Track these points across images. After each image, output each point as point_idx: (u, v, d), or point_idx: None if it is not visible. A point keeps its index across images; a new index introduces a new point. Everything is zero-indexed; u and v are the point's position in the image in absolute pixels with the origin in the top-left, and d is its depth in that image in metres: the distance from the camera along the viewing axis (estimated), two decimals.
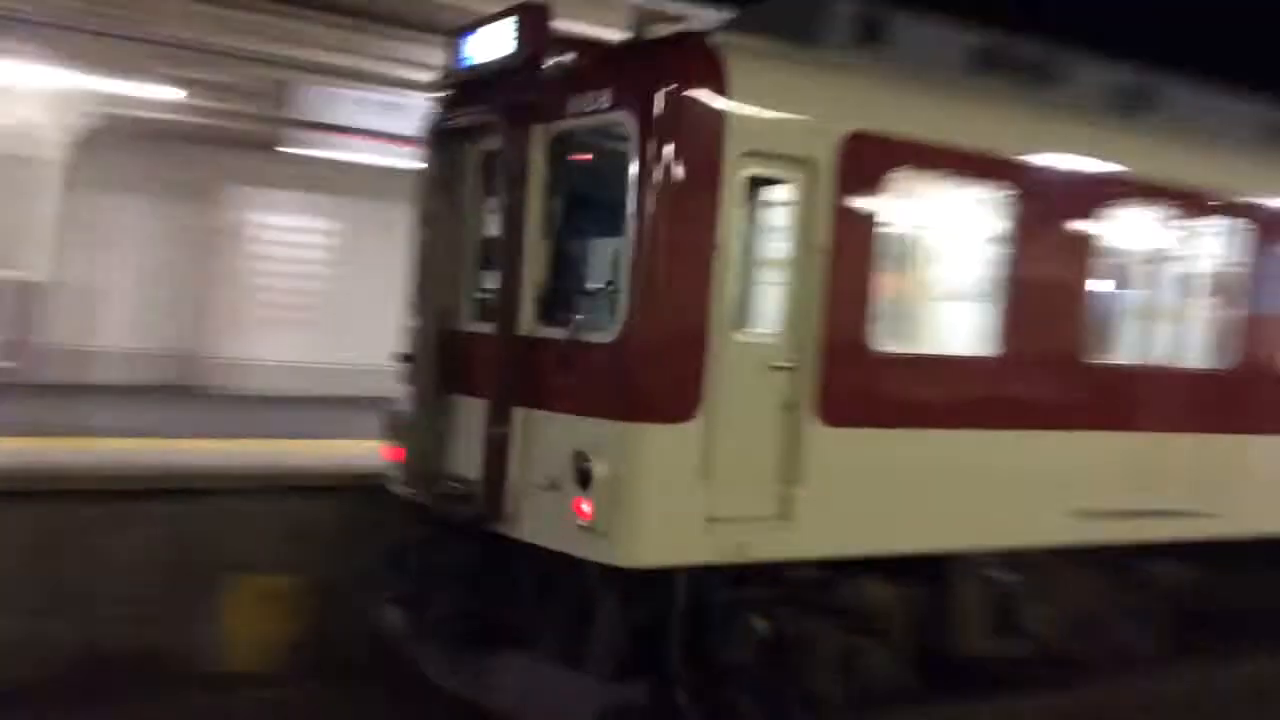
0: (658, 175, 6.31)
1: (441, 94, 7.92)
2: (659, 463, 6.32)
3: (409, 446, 7.63)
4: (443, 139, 7.76)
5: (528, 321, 6.98)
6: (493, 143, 7.51)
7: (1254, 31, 25.41)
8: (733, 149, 6.48)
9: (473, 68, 7.48)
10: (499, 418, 6.88)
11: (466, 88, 7.71)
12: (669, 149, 6.29)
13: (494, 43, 7.25)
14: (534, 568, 7.00)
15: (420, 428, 7.62)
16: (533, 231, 7.00)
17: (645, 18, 6.92)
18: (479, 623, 7.16)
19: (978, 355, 7.62)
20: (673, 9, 12.01)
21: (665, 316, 6.34)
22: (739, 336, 6.62)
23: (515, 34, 7.04)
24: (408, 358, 8.12)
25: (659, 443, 6.32)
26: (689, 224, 6.39)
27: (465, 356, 7.60)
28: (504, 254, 6.97)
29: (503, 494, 6.85)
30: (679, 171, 6.34)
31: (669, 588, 6.50)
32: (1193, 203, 8.62)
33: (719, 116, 6.46)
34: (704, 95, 6.39)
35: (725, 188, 6.48)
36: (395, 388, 8.19)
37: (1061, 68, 8.34)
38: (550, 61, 6.85)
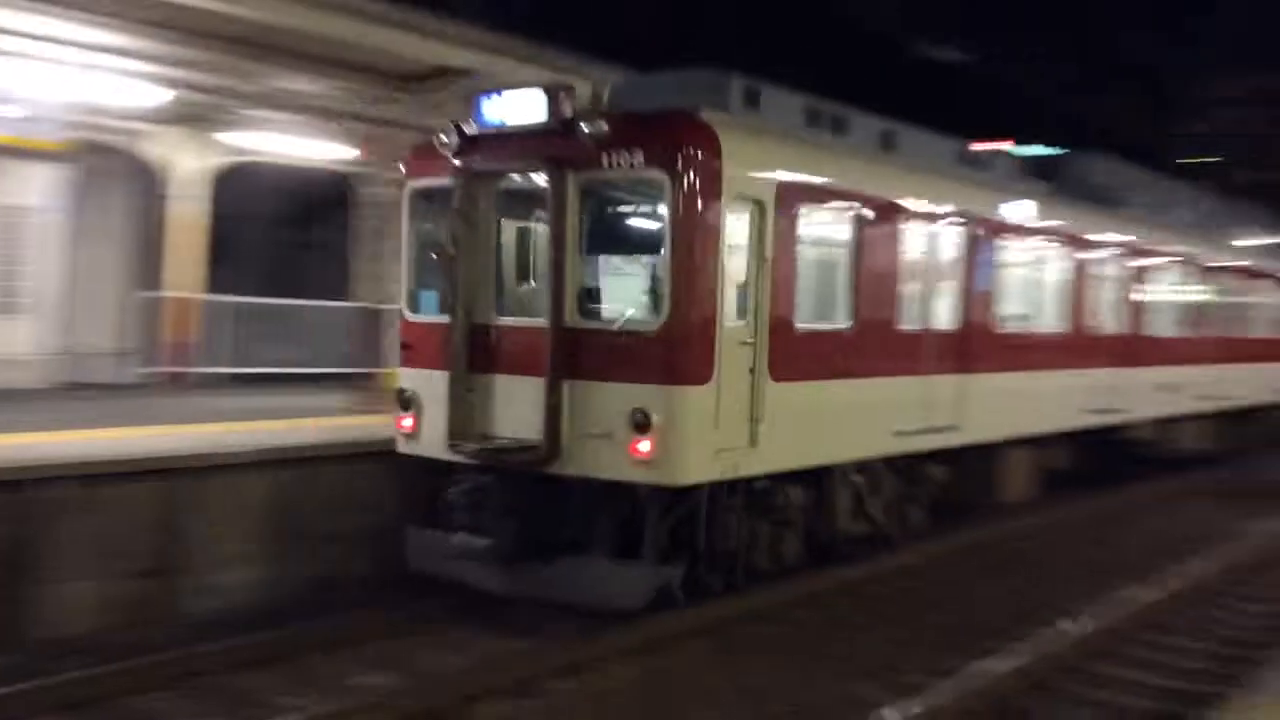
0: (686, 215, 8.91)
1: (459, 143, 9.85)
2: (694, 412, 8.92)
3: (444, 415, 9.82)
4: (468, 179, 9.79)
5: (571, 315, 9.30)
6: (509, 183, 9.93)
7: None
8: (727, 196, 9.22)
9: (503, 128, 9.57)
10: (554, 388, 9.18)
11: (484, 139, 9.75)
12: (693, 196, 8.95)
13: (520, 109, 9.56)
14: (580, 495, 9.48)
15: (457, 400, 9.71)
16: (571, 251, 9.48)
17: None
18: (535, 541, 9.63)
19: (843, 329, 10.98)
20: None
21: (695, 312, 8.92)
22: (727, 323, 9.51)
23: (547, 106, 9.36)
24: (406, 345, 10.29)
25: (694, 399, 8.91)
26: (707, 248, 9.00)
27: (494, 343, 9.85)
28: (552, 268, 9.33)
29: (559, 444, 9.34)
30: (699, 211, 8.93)
31: (692, 500, 9.37)
32: (940, 218, 12.22)
33: (719, 173, 9.07)
34: (711, 159, 9.02)
35: (724, 223, 9.24)
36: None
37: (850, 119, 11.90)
38: (584, 126, 9.27)
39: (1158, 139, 58.45)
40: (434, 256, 10.10)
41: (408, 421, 10.15)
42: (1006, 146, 16.55)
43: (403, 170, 10.88)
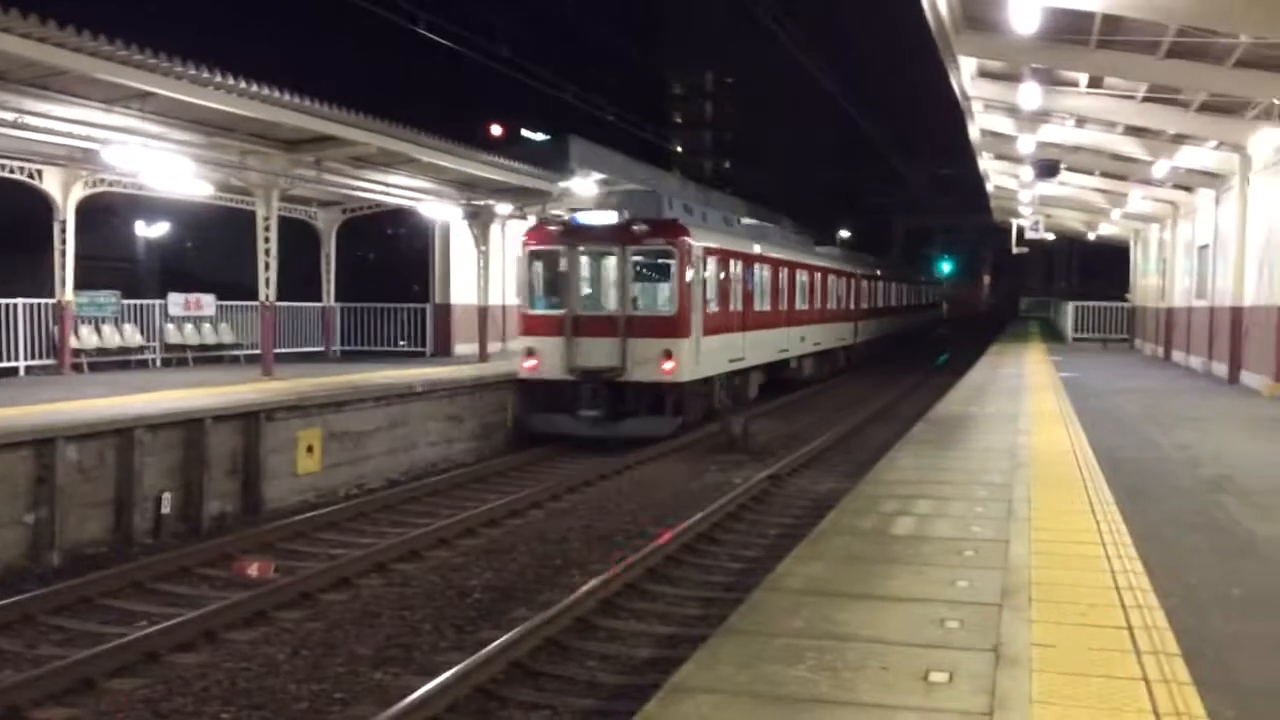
0: (681, 266, 19.83)
1: (558, 229, 20.27)
2: (686, 350, 19.85)
3: (564, 359, 19.65)
4: (570, 246, 20.01)
5: (628, 309, 19.93)
6: (587, 247, 20.36)
7: None
8: (690, 255, 20.04)
9: (586, 224, 19.97)
10: (624, 341, 19.68)
11: (578, 228, 19.99)
12: (682, 256, 19.81)
13: (605, 217, 19.99)
14: (633, 390, 19.77)
15: (567, 350, 19.67)
16: (628, 281, 20.07)
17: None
18: (612, 410, 19.86)
19: (722, 310, 22.28)
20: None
21: (684, 306, 19.86)
22: (694, 311, 20.44)
23: (619, 217, 19.73)
24: (530, 325, 20.31)
25: (686, 344, 19.84)
26: (690, 279, 20.01)
27: (583, 322, 19.85)
28: (621, 288, 19.97)
29: (625, 367, 19.86)
30: (683, 263, 19.77)
31: (682, 388, 20.25)
32: (781, 263, 25.89)
33: (689, 246, 19.95)
34: (687, 240, 19.93)
35: (689, 266, 20.09)
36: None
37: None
38: (635, 228, 19.73)
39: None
40: (550, 284, 20.35)
41: (531, 362, 20.03)
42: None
43: (524, 238, 21.12)
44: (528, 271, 20.75)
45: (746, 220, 29.88)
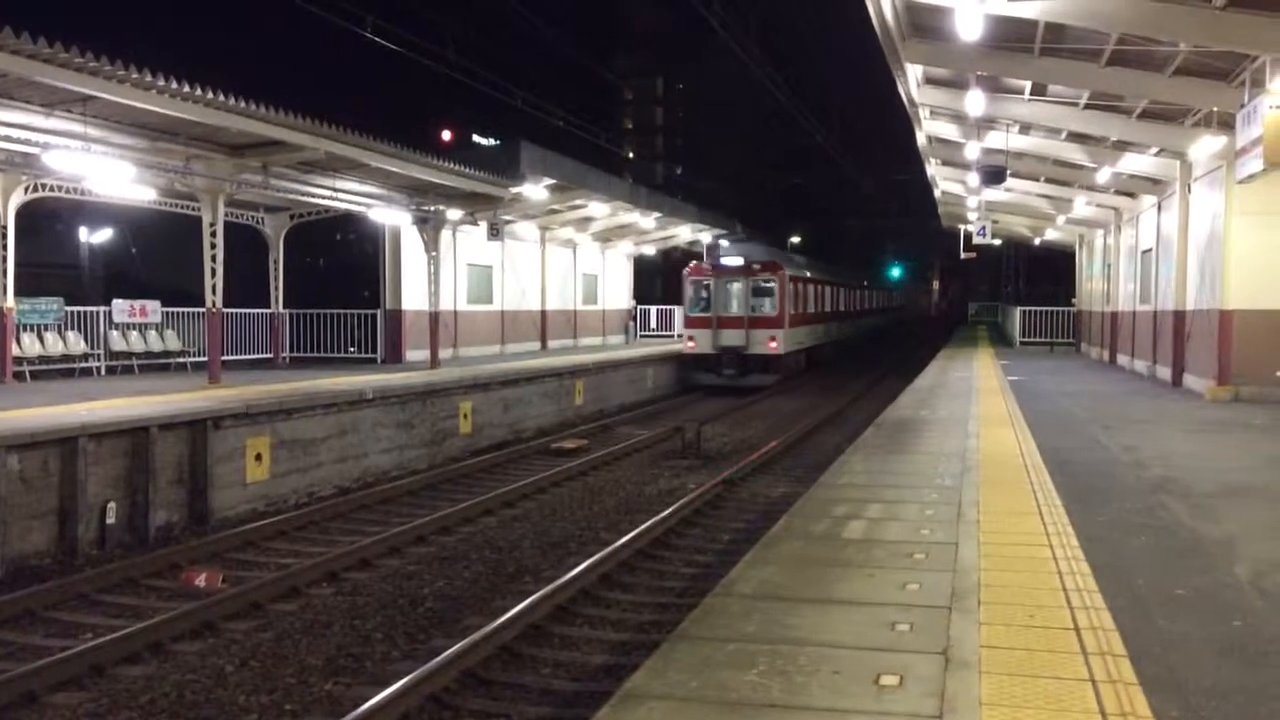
0: (780, 288, 34.01)
1: (708, 266, 34.38)
2: (784, 336, 33.83)
3: (712, 342, 33.30)
4: (716, 277, 33.93)
5: (749, 313, 33.53)
6: (727, 279, 34.20)
7: None
8: (783, 282, 34.13)
9: (725, 264, 34.20)
10: (749, 331, 33.43)
11: (719, 266, 34.18)
12: (781, 284, 34.13)
13: (736, 260, 34.22)
14: (753, 358, 33.30)
15: (713, 338, 33.40)
16: (748, 297, 33.89)
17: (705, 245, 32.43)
18: (741, 369, 32.85)
19: (803, 312, 37.57)
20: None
21: (782, 310, 33.90)
22: (788, 311, 34.06)
23: (744, 262, 33.92)
24: (691, 322, 34.12)
25: (784, 333, 33.93)
26: (783, 295, 34.07)
27: (725, 320, 33.45)
28: (745, 302, 33.88)
29: (748, 344, 33.02)
30: (780, 287, 34.04)
31: (782, 357, 33.85)
32: (825, 282, 42.54)
33: (785, 277, 34.28)
34: (785, 274, 34.49)
35: (781, 288, 33.92)
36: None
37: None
38: (752, 265, 33.74)
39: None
40: (704, 298, 33.82)
41: (691, 344, 33.61)
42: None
43: (687, 271, 34.74)
44: (693, 291, 34.24)
45: (797, 256, 45.62)
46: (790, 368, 35.41)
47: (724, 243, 38.81)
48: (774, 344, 32.92)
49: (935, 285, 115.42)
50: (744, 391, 31.66)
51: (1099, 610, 6.04)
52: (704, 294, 33.61)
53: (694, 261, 35.81)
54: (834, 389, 33.56)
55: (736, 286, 33.74)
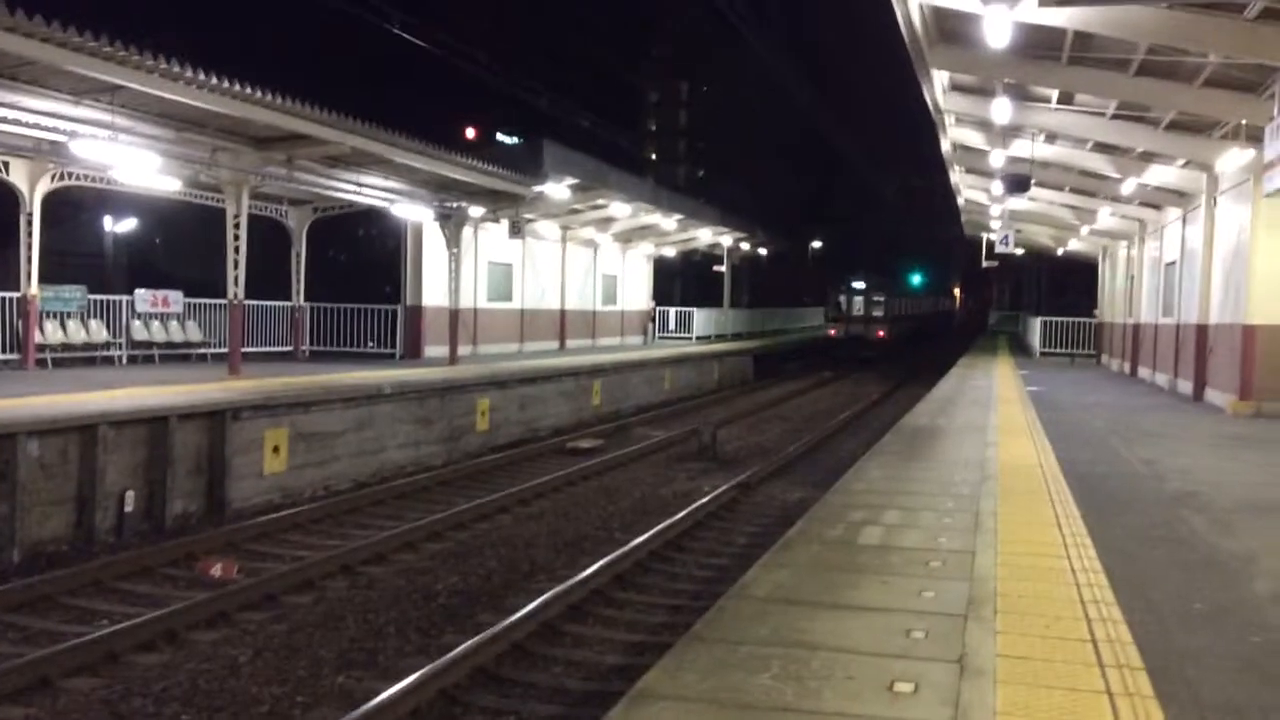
0: (887, 301, 52.05)
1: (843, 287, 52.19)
2: (889, 329, 51.68)
3: (844, 331, 50.62)
4: (845, 294, 51.90)
5: (869, 314, 50.45)
6: (854, 295, 51.54)
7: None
8: (889, 297, 52.61)
9: (853, 286, 51.65)
10: (865, 325, 50.77)
11: (848, 289, 51.60)
12: (887, 298, 52.09)
13: (859, 284, 51.72)
14: (870, 343, 50.00)
15: (845, 329, 50.62)
16: (869, 306, 51.12)
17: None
18: (861, 350, 48.94)
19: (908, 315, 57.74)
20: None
21: (888, 313, 50.13)
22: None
23: (866, 284, 51.44)
24: (834, 322, 52.08)
25: (889, 326, 51.54)
26: (888, 304, 52.30)
27: (851, 319, 50.89)
28: (865, 308, 51.34)
29: (866, 335, 50.27)
30: (890, 299, 52.34)
31: (885, 341, 50.52)
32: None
33: (889, 292, 50.90)
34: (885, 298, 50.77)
35: (889, 300, 51.15)
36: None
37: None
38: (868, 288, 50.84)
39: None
40: (839, 304, 51.78)
41: (831, 332, 51.82)
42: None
43: (830, 289, 53.94)
44: (835, 299, 51.82)
45: (876, 276, 56.18)
46: (890, 350, 51.74)
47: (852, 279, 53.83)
48: (882, 334, 51.10)
49: (956, 293, 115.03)
50: (770, 391, 35.67)
51: (1116, 623, 5.99)
52: (840, 306, 51.80)
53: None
54: (851, 395, 33.37)
55: (859, 300, 51.49)
